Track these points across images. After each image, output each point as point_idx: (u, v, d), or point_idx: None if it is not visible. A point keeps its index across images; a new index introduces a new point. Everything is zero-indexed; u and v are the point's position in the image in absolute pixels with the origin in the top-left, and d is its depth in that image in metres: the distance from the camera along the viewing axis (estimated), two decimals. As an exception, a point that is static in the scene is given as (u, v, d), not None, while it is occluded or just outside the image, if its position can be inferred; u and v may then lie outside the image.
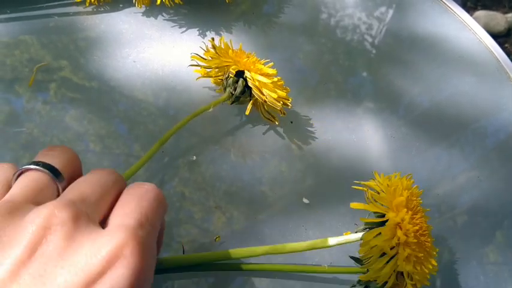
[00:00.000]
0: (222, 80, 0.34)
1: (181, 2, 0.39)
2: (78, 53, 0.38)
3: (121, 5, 0.42)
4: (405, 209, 0.24)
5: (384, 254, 0.24)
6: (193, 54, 0.34)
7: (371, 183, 0.26)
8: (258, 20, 0.43)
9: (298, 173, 0.33)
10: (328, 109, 0.37)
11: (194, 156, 0.33)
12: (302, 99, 0.35)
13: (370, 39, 0.43)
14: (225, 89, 0.34)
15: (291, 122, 0.36)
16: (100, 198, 0.21)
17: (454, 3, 0.47)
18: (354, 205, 0.25)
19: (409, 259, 0.24)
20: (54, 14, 0.41)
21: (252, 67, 0.33)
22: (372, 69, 0.41)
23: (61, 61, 0.37)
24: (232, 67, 0.32)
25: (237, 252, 0.27)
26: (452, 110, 0.39)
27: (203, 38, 0.41)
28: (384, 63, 0.41)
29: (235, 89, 0.33)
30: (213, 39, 0.34)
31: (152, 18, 0.42)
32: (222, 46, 0.34)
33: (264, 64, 0.34)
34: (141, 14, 0.42)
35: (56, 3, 0.41)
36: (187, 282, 0.28)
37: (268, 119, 0.34)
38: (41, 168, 0.21)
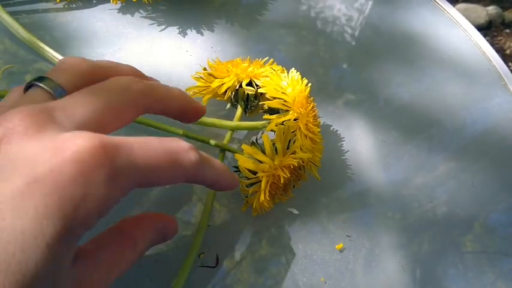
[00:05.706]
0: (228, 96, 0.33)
1: (158, -2, 0.38)
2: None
3: (95, 1, 0.40)
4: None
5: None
6: (191, 91, 0.32)
7: None
8: (239, 13, 0.42)
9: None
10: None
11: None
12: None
13: (350, 31, 0.43)
14: (232, 103, 0.33)
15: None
16: (95, 116, 0.19)
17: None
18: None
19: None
20: (21, 11, 0.38)
21: (256, 72, 0.32)
22: (353, 61, 0.41)
23: (35, 55, 0.36)
24: (244, 81, 0.31)
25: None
26: (431, 102, 0.39)
27: (183, 36, 0.39)
28: (363, 55, 0.41)
29: (247, 99, 0.32)
30: (204, 68, 0.33)
31: (128, 16, 0.40)
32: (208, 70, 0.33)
33: (264, 63, 0.33)
34: (116, 10, 0.40)
35: (25, -1, 0.39)
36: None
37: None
38: (42, 85, 0.20)
